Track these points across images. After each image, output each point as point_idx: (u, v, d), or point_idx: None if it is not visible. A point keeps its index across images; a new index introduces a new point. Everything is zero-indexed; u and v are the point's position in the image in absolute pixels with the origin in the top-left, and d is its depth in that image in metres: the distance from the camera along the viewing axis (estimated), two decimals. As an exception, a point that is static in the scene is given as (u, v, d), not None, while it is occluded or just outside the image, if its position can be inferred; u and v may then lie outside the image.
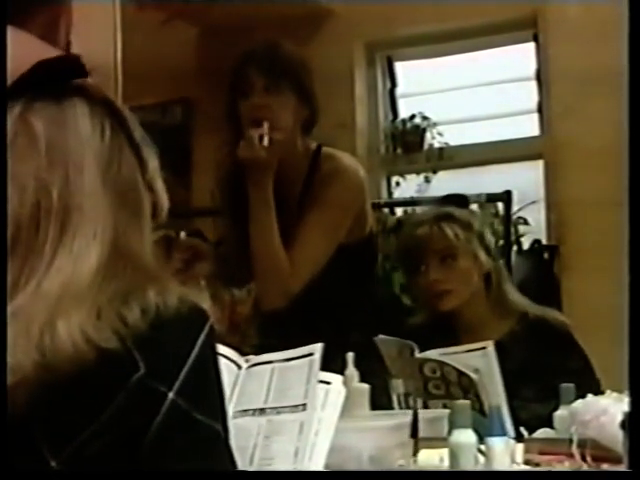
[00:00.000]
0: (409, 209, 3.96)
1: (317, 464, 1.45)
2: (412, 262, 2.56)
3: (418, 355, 2.28)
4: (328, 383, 1.52)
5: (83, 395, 1.14)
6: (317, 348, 1.53)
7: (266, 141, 2.46)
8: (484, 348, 2.22)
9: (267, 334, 2.66)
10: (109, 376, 1.14)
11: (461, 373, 2.17)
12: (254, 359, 1.62)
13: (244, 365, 1.61)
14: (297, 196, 2.61)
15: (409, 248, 2.59)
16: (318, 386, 1.49)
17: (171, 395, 1.13)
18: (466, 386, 2.17)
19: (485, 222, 2.70)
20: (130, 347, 1.14)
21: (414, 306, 2.78)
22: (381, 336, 2.36)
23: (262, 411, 1.53)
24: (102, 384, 1.14)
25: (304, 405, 1.48)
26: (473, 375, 2.17)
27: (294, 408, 1.49)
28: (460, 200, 2.67)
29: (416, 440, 1.85)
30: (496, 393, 2.15)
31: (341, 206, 2.60)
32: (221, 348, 1.27)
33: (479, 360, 2.21)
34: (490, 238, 2.64)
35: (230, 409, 1.45)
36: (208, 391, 1.18)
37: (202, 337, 1.17)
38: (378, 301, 2.83)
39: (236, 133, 2.59)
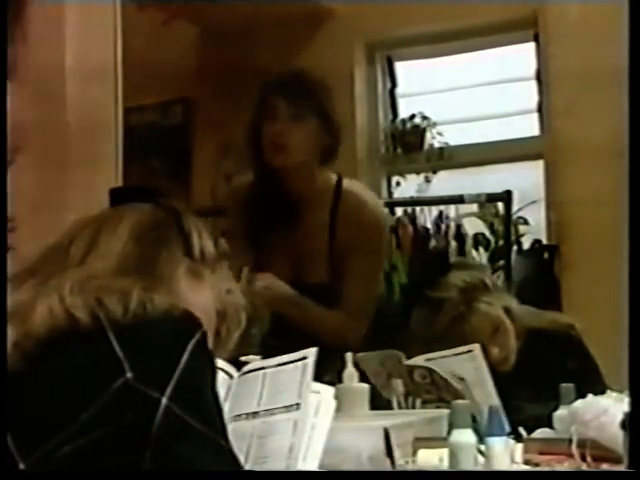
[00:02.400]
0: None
1: (311, 468, 1.46)
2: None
3: (407, 362, 2.27)
4: (318, 393, 1.53)
5: (62, 395, 1.13)
6: (311, 352, 1.53)
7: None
8: (471, 351, 2.21)
9: (271, 335, 2.66)
10: (92, 377, 1.13)
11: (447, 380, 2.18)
12: (246, 367, 1.62)
13: (235, 375, 1.61)
14: (326, 238, 2.61)
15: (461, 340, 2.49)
16: (310, 396, 1.49)
17: (164, 401, 1.11)
18: (455, 391, 2.17)
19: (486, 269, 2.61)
20: (111, 340, 1.12)
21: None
22: (359, 354, 2.35)
23: (255, 414, 1.53)
24: (83, 386, 1.12)
25: (298, 404, 1.48)
26: (458, 385, 2.17)
27: (288, 408, 1.49)
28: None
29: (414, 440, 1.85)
30: (488, 394, 2.14)
31: (378, 251, 2.67)
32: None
33: (467, 363, 2.20)
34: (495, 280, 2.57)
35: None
36: (202, 397, 1.16)
37: (193, 342, 1.16)
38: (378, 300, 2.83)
39: (256, 154, 2.61)
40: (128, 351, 1.13)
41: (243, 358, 1.71)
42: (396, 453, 1.75)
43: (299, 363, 1.53)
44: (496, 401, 2.10)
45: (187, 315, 1.19)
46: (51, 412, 1.12)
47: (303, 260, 2.62)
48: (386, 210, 3.90)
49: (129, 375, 1.11)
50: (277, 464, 1.45)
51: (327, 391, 1.54)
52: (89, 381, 1.13)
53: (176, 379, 1.12)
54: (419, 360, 2.27)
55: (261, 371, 1.59)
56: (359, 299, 2.60)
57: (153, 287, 1.22)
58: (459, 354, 2.23)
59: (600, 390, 1.94)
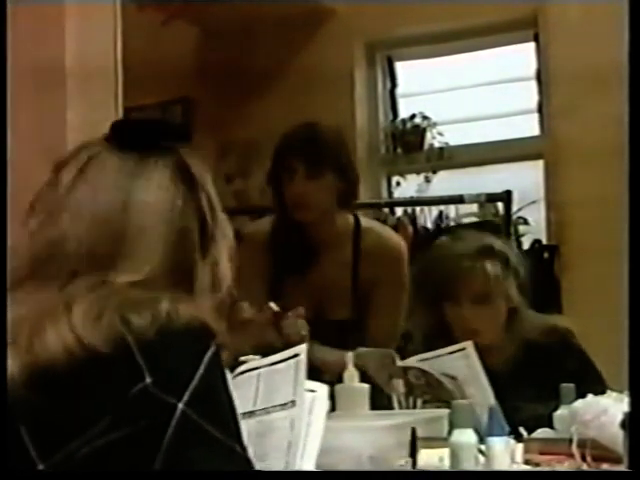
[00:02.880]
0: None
1: (308, 465, 1.46)
2: (441, 295, 2.45)
3: (400, 363, 2.27)
4: (314, 392, 1.53)
5: (80, 399, 1.13)
6: (302, 348, 1.53)
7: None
8: (464, 349, 2.20)
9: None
10: (110, 382, 1.13)
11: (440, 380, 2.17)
12: (240, 368, 1.63)
13: (229, 376, 1.61)
14: (349, 276, 2.70)
15: (444, 282, 2.46)
16: (305, 393, 1.50)
17: (181, 406, 1.13)
18: (451, 390, 2.16)
19: (518, 256, 2.54)
20: (134, 353, 1.13)
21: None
22: (360, 349, 2.34)
23: (251, 413, 1.53)
24: (102, 390, 1.14)
25: (293, 402, 1.49)
26: (449, 385, 2.16)
27: (283, 406, 1.50)
28: (494, 227, 2.57)
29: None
30: (482, 392, 2.14)
31: (401, 283, 2.70)
32: None
33: (461, 361, 2.20)
34: (523, 272, 2.50)
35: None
36: (219, 405, 1.18)
37: (210, 352, 1.17)
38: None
39: (279, 208, 2.70)
40: (148, 361, 1.14)
41: (242, 358, 1.71)
42: (420, 453, 1.75)
43: (292, 361, 1.54)
44: (492, 399, 2.10)
45: (205, 327, 1.20)
46: (71, 416, 1.13)
47: (325, 299, 2.70)
48: (386, 210, 3.90)
49: (148, 380, 1.12)
50: (277, 462, 1.45)
51: (322, 389, 1.54)
52: (109, 388, 1.13)
53: (193, 387, 1.14)
54: (412, 361, 2.27)
55: (255, 371, 1.59)
56: (385, 331, 2.65)
57: (180, 297, 1.22)
58: (452, 353, 2.23)
59: (600, 391, 1.94)
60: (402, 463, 1.75)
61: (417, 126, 4.32)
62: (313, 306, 2.66)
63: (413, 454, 1.75)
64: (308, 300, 2.67)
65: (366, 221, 2.79)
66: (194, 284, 1.28)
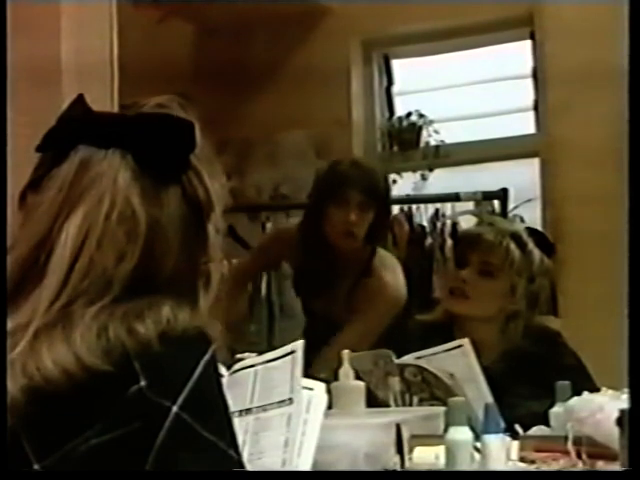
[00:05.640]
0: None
1: (305, 463, 1.46)
2: (457, 254, 2.53)
3: (397, 361, 2.27)
4: (311, 389, 1.53)
5: (76, 404, 1.13)
6: (298, 345, 1.54)
7: None
8: (461, 346, 2.20)
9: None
10: (105, 387, 1.14)
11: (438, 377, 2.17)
12: (236, 365, 1.63)
13: (226, 373, 1.61)
14: (346, 291, 2.98)
15: (468, 242, 2.53)
16: (302, 390, 1.50)
17: (175, 409, 1.13)
18: (447, 388, 2.16)
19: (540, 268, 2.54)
20: (131, 357, 1.14)
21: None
22: (352, 353, 2.34)
23: (248, 411, 1.53)
24: (97, 394, 1.14)
25: (290, 399, 1.49)
26: (448, 381, 2.16)
27: (281, 403, 1.50)
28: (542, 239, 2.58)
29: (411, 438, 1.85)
30: (479, 390, 2.14)
31: (381, 320, 2.88)
32: None
33: (458, 359, 2.20)
34: (536, 285, 2.50)
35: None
36: (213, 410, 1.18)
37: (206, 358, 1.17)
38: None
39: (318, 234, 2.97)
40: (144, 364, 1.14)
41: (238, 355, 1.71)
42: (406, 450, 1.75)
43: (288, 357, 1.54)
44: (489, 397, 2.10)
45: (202, 334, 1.20)
46: (67, 421, 1.13)
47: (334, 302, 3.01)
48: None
49: (142, 383, 1.12)
50: (273, 459, 1.46)
51: (319, 387, 1.54)
52: (105, 393, 1.14)
53: (188, 391, 1.14)
54: (409, 358, 2.27)
55: (251, 369, 1.60)
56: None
57: (180, 302, 1.22)
58: (449, 350, 2.23)
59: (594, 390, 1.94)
60: (397, 461, 1.76)
61: (413, 124, 4.32)
62: (327, 305, 3.01)
63: (400, 451, 1.75)
64: (325, 301, 3.01)
65: (379, 259, 3.00)
66: (195, 287, 1.28)
